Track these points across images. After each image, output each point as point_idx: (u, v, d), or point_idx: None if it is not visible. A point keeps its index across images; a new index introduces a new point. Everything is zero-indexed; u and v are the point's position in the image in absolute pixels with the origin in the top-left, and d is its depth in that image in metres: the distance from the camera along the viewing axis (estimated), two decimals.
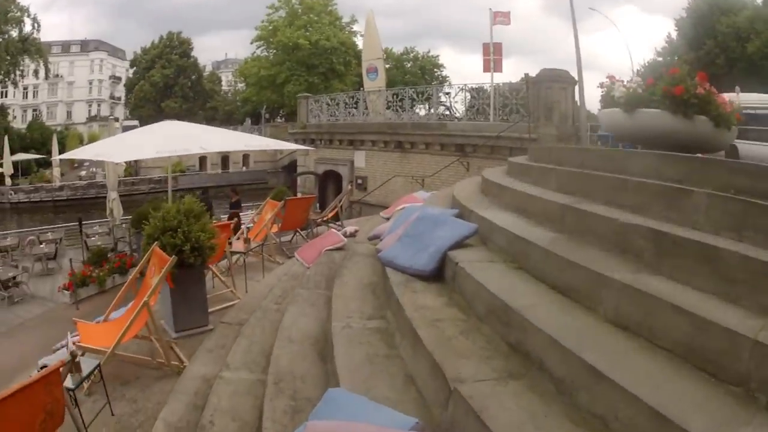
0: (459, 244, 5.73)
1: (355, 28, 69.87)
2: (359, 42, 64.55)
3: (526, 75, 18.32)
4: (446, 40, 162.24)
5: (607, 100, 7.64)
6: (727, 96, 7.34)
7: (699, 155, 6.40)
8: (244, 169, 59.80)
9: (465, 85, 21.79)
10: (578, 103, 17.68)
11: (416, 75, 78.17)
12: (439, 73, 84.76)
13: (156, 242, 7.73)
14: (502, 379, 3.49)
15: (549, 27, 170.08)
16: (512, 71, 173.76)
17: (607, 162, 6.33)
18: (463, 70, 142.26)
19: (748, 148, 11.08)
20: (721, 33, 54.85)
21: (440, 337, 4.10)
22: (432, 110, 23.86)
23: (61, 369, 4.80)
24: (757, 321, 2.95)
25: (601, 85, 7.64)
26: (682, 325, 3.16)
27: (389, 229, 7.48)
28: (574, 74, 17.45)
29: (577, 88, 17.99)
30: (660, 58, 68.25)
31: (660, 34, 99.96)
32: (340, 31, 66.61)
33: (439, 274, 5.52)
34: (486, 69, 21.32)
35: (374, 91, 27.68)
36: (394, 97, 25.38)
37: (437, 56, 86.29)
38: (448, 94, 23.84)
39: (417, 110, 24.05)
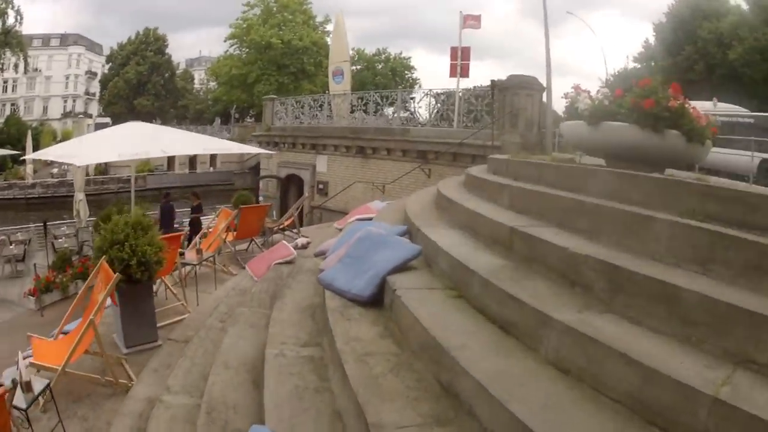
0: (401, 268, 5.48)
1: (329, 27, 69.72)
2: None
3: (493, 81, 18.09)
4: (421, 41, 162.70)
5: (571, 112, 7.23)
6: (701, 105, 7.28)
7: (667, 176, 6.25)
8: (212, 169, 59.86)
9: (430, 90, 21.69)
10: (545, 110, 17.59)
11: (387, 77, 78.43)
12: (409, 75, 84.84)
13: (104, 255, 7.63)
14: (426, 425, 3.26)
15: (526, 30, 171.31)
16: (486, 74, 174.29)
17: (565, 179, 6.13)
18: (437, 72, 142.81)
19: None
20: (701, 39, 55.03)
21: (368, 375, 3.88)
22: (395, 115, 23.42)
23: (6, 395, 4.96)
24: (719, 372, 2.77)
25: (566, 96, 7.51)
26: (631, 376, 2.92)
27: (333, 247, 7.26)
28: (545, 80, 17.38)
29: (545, 95, 17.92)
30: (637, 64, 68.86)
31: (640, 38, 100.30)
32: (313, 31, 66.52)
33: (377, 300, 5.27)
34: (452, 74, 21.06)
35: (339, 95, 27.24)
36: (359, 100, 24.99)
37: (409, 58, 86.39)
38: (412, 98, 23.53)
39: (386, 112, 23.71)
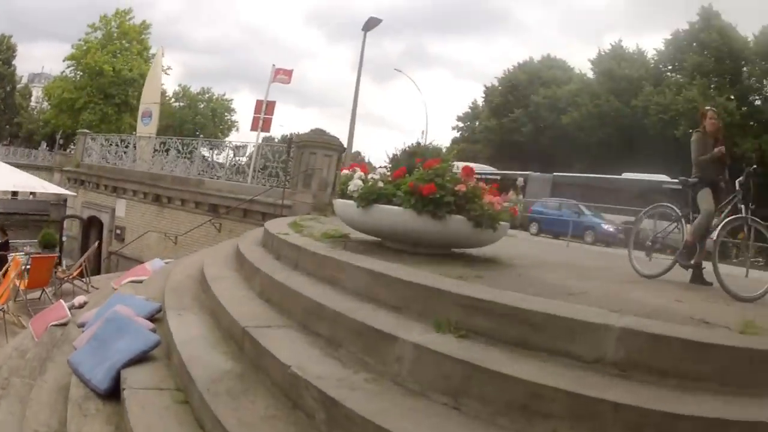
0: (139, 360, 5.08)
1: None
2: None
3: (289, 137, 17.67)
4: (249, 82, 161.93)
5: (343, 191, 6.97)
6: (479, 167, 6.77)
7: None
8: (32, 197, 56.45)
9: (229, 141, 21.18)
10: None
11: (207, 117, 78.14)
12: (229, 117, 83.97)
13: None
14: None
15: (354, 82, 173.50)
16: (309, 122, 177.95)
17: (320, 268, 5.84)
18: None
19: None
20: (534, 103, 57.82)
21: None
22: (193, 164, 22.32)
23: None
24: None
25: (339, 171, 6.99)
26: None
27: (91, 321, 6.70)
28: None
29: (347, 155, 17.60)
30: (461, 123, 71.39)
31: (470, 98, 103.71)
32: (145, 63, 64.45)
33: (116, 393, 4.75)
34: (254, 127, 20.70)
35: (144, 137, 26.31)
36: (162, 145, 24.05)
37: (231, 100, 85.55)
38: (212, 149, 22.86)
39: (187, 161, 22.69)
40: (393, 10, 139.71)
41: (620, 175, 34.87)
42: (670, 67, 53.92)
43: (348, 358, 4.07)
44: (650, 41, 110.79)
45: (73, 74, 64.38)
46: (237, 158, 20.97)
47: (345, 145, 17.50)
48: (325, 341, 4.39)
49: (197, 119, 75.43)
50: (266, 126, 20.69)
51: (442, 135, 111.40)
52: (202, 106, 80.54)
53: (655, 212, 8.59)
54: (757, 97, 50.72)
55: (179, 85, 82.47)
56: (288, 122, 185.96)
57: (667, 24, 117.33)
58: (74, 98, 61.00)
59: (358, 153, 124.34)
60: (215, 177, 20.67)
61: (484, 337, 3.79)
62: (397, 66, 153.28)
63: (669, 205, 8.29)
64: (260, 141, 20.16)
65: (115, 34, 63.80)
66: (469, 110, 74.34)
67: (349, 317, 4.32)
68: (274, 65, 22.01)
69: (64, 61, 65.06)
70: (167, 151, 23.37)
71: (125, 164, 25.29)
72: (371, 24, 18.90)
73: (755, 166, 7.68)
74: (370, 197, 6.46)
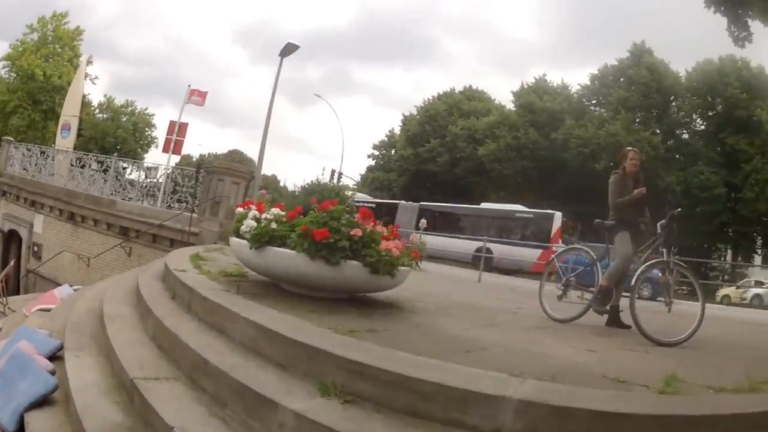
0: (40, 403, 4.78)
1: (88, 70, 66.68)
2: (86, 87, 62.12)
3: (198, 162, 17.16)
4: (171, 98, 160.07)
5: (237, 229, 6.65)
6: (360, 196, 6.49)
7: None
8: None
9: (142, 162, 20.48)
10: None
11: (128, 131, 75.38)
12: (149, 132, 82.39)
13: None
14: None
15: (278, 105, 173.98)
16: (228, 142, 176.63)
17: (210, 314, 5.52)
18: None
19: None
20: (451, 133, 58.36)
21: None
22: (107, 183, 21.70)
23: None
24: None
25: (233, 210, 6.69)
26: None
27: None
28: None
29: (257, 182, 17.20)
30: (376, 151, 71.76)
31: (388, 126, 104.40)
32: (74, 71, 62.79)
33: None
34: (165, 149, 20.19)
35: (63, 151, 25.39)
36: (77, 161, 23.27)
37: (153, 115, 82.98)
38: (125, 168, 22.07)
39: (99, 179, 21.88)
40: (319, 33, 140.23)
41: (479, 204, 38.88)
42: (594, 101, 55.15)
43: (233, 419, 3.87)
44: (576, 77, 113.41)
45: (7, 75, 62.29)
46: (148, 180, 20.18)
47: (257, 170, 17.02)
48: (211, 398, 4.18)
49: (119, 132, 73.18)
50: (177, 149, 20.20)
51: (359, 162, 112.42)
52: (124, 119, 78.05)
53: (568, 255, 8.52)
54: (685, 131, 52.51)
55: (104, 96, 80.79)
56: (207, 142, 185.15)
57: (596, 61, 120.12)
58: (6, 101, 58.87)
59: (275, 176, 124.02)
60: (127, 198, 20.10)
61: (372, 403, 3.60)
62: (319, 90, 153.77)
63: (583, 248, 8.28)
64: (171, 163, 19.52)
65: (50, 38, 62.19)
66: (386, 138, 74.82)
67: (231, 376, 4.13)
68: (189, 86, 21.67)
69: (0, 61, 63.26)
70: (83, 167, 22.71)
71: (43, 177, 24.36)
72: (289, 50, 18.54)
73: (679, 209, 7.62)
74: (262, 239, 6.22)
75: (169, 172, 18.96)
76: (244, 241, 6.43)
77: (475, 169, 56.55)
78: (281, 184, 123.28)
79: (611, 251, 7.64)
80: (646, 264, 6.93)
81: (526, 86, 58.82)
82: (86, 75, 66.19)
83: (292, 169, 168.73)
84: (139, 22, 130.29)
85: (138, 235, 17.73)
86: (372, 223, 6.28)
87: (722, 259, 50.60)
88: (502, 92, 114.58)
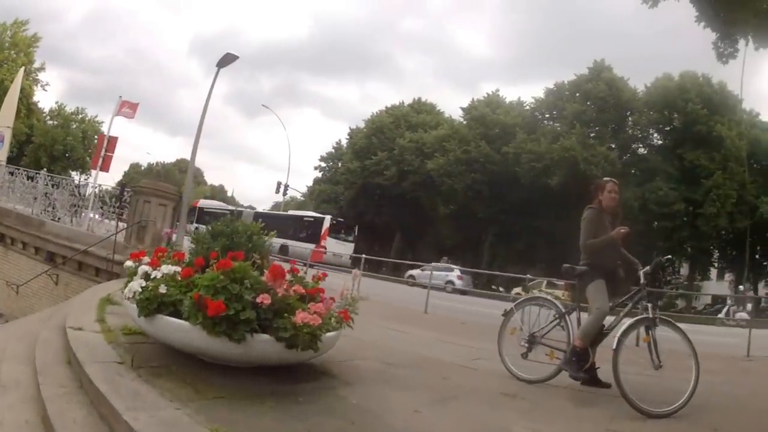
0: None
1: (41, 76, 65.22)
2: (37, 93, 60.55)
3: (122, 182, 15.81)
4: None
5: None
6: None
7: None
8: None
9: (69, 179, 18.93)
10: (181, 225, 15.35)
11: (77, 138, 74.97)
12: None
13: None
14: None
15: (228, 114, 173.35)
16: (176, 152, 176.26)
17: (98, 405, 4.31)
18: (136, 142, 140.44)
19: None
20: (399, 146, 57.86)
21: None
22: (36, 201, 19.60)
23: None
24: None
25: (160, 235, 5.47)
26: None
27: None
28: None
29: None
30: (323, 163, 71.37)
31: (336, 138, 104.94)
32: (26, 77, 61.15)
33: None
34: (93, 164, 18.79)
35: None
36: (10, 175, 21.21)
37: (102, 122, 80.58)
38: (54, 185, 19.56)
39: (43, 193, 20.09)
40: (278, 46, 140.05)
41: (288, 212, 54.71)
42: (547, 116, 54.98)
43: None
44: (530, 93, 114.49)
45: None
46: (76, 199, 18.45)
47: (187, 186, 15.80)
48: None
49: (68, 140, 72.41)
50: (106, 165, 18.71)
51: (308, 174, 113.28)
52: (74, 126, 77.50)
53: (530, 305, 7.30)
54: (641, 146, 52.86)
55: (56, 103, 79.26)
56: (157, 150, 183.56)
57: (549, 78, 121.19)
58: None
59: (222, 186, 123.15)
60: (57, 219, 18.42)
61: None
62: (271, 101, 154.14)
63: (548, 298, 7.22)
64: (99, 181, 18.00)
65: (7, 44, 61.52)
66: (333, 150, 74.36)
67: None
68: (120, 97, 20.40)
69: None
70: (13, 182, 21.05)
71: None
72: (227, 60, 17.40)
73: (668, 256, 6.52)
74: (150, 306, 4.94)
75: (96, 190, 17.40)
76: (133, 305, 5.14)
77: (423, 183, 56.36)
78: (230, 194, 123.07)
79: (587, 301, 6.43)
80: (628, 324, 5.85)
81: (477, 101, 58.60)
82: (37, 81, 65.47)
83: (241, 179, 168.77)
84: (101, 32, 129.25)
85: (65, 261, 16.18)
86: (285, 286, 5.05)
87: (677, 273, 50.83)
88: (454, 107, 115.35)
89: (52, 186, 19.15)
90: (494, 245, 56.36)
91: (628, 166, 50.11)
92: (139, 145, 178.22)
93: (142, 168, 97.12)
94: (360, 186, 63.02)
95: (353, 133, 69.51)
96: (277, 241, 33.83)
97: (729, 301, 31.60)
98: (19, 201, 20.24)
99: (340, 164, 70.90)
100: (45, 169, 22.30)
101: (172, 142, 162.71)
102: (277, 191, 57.58)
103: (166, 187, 15.58)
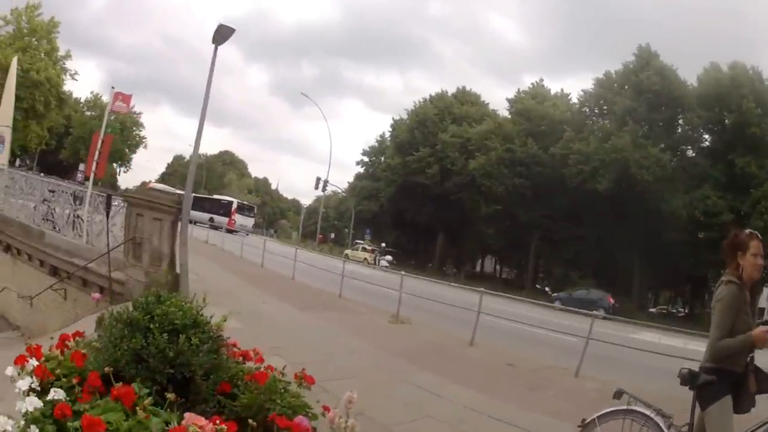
0: None
1: (68, 64, 64.32)
2: (68, 82, 59.94)
3: (108, 193, 14.33)
4: (169, 97, 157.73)
5: None
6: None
7: None
8: None
9: (67, 185, 17.55)
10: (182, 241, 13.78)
11: (115, 130, 72.78)
12: (137, 132, 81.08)
13: None
14: None
15: (272, 105, 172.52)
16: (222, 144, 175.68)
17: None
18: (180, 134, 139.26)
19: None
20: (442, 141, 55.48)
21: None
22: (36, 210, 18.56)
23: None
24: None
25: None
26: None
27: None
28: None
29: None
30: (366, 158, 69.22)
31: (380, 131, 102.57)
32: (53, 65, 60.60)
33: None
34: (88, 170, 17.59)
35: None
36: (11, 181, 20.18)
37: (140, 113, 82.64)
38: (52, 192, 18.29)
39: (41, 200, 18.85)
40: (308, 27, 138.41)
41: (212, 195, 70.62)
42: (596, 111, 52.06)
43: None
44: (568, 85, 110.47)
45: None
46: (75, 210, 16.98)
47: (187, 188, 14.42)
48: None
49: (105, 132, 71.01)
50: (100, 170, 17.29)
51: (350, 169, 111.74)
52: (112, 117, 75.84)
53: (616, 418, 4.80)
54: (690, 148, 48.83)
55: (91, 93, 78.55)
56: (204, 142, 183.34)
57: (587, 69, 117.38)
58: None
59: (266, 179, 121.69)
60: (57, 229, 17.18)
61: None
62: (313, 91, 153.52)
63: (641, 410, 4.67)
64: (90, 189, 16.38)
65: (25, 30, 60.22)
66: (377, 144, 72.53)
67: None
68: (113, 88, 19.27)
69: None
70: (14, 188, 19.92)
71: None
72: (222, 33, 13.39)
73: None
74: None
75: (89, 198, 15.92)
76: None
77: (466, 184, 54.50)
78: (273, 187, 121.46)
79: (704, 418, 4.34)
80: None
81: (523, 92, 56.77)
82: (66, 70, 64.55)
83: (286, 172, 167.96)
84: (129, 17, 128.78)
85: (69, 276, 14.89)
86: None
87: None
88: (495, 96, 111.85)
89: (50, 192, 17.91)
90: (539, 250, 54.81)
91: (677, 170, 45.73)
92: (185, 136, 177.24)
93: (185, 159, 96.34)
94: (401, 183, 61.82)
95: (396, 125, 67.92)
96: (206, 216, 57.33)
97: None
98: (21, 209, 19.23)
99: (383, 159, 69.25)
100: (83, 164, 21.12)
101: (219, 134, 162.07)
102: (316, 187, 57.08)
103: (162, 197, 13.55)
